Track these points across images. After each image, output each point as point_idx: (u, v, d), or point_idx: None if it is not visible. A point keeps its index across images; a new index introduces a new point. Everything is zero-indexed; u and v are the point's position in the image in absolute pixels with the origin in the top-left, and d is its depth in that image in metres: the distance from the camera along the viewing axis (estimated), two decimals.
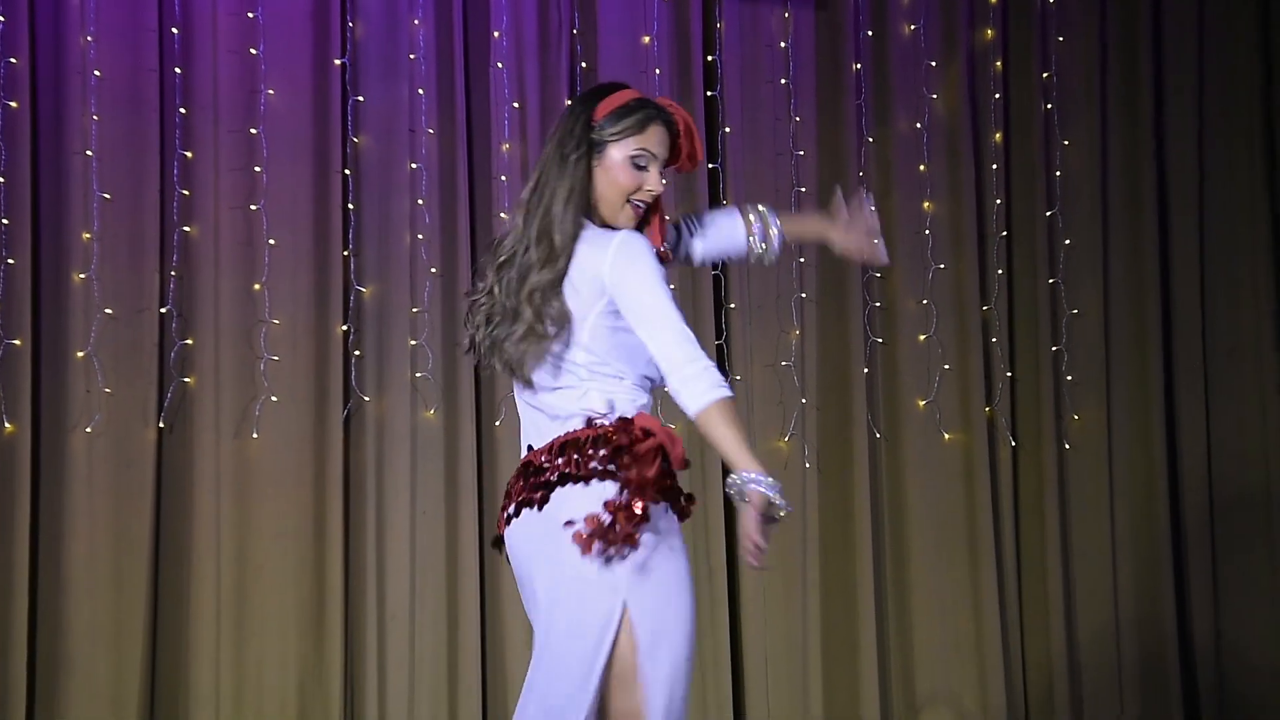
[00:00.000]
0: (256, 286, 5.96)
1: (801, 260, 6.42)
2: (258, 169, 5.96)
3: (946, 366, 6.48)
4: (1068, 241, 6.66)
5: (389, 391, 6.06)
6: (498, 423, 6.12)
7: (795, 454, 6.36)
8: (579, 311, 3.30)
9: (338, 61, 6.05)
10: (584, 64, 6.30)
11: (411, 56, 6.11)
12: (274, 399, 5.91)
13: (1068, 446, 6.60)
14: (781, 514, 3.25)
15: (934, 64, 6.60)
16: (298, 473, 5.93)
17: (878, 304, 6.49)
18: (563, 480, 3.27)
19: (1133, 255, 6.72)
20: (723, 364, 6.32)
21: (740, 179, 6.40)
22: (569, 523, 3.25)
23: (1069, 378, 6.62)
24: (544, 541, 3.29)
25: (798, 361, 6.39)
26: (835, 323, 6.47)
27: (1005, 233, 6.63)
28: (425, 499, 6.04)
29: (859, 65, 6.53)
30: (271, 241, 5.96)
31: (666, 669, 3.24)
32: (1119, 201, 6.71)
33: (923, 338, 6.53)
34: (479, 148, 6.20)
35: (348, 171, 6.05)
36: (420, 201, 6.10)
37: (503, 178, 6.17)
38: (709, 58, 6.39)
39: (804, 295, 6.41)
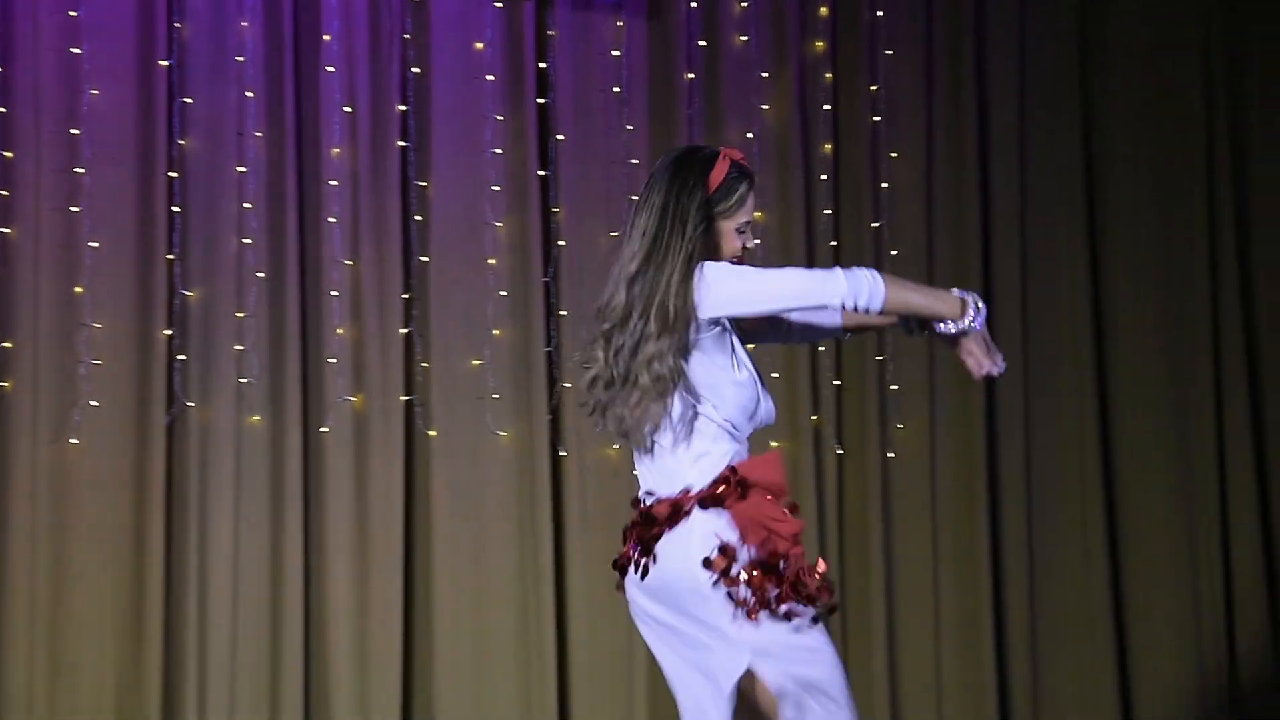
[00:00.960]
0: (78, 289, 5.87)
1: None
2: (80, 170, 5.87)
3: (774, 375, 6.54)
4: (894, 252, 6.75)
5: (214, 397, 6.00)
6: (324, 429, 6.09)
7: (624, 461, 6.38)
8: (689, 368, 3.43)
9: (163, 62, 5.97)
10: (416, 69, 6.27)
11: (240, 59, 6.05)
12: (94, 404, 5.83)
13: (891, 454, 6.69)
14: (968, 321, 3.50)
15: (765, 75, 6.66)
16: (118, 478, 5.86)
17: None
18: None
19: (957, 266, 6.83)
20: (552, 371, 6.34)
21: (572, 187, 6.41)
22: None
23: (893, 386, 6.71)
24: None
25: None
26: None
27: (834, 242, 6.71)
28: (249, 505, 5.99)
29: (691, 75, 6.57)
30: (93, 244, 5.87)
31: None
32: (944, 213, 6.81)
33: (751, 346, 6.57)
34: (308, 152, 6.16)
35: (173, 174, 5.98)
36: (248, 205, 6.05)
37: (332, 182, 6.14)
38: (541, 65, 6.40)
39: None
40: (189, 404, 5.97)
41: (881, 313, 3.45)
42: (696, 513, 3.40)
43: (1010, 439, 6.82)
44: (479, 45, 6.33)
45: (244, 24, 6.06)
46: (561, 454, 6.34)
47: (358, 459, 6.14)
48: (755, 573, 3.34)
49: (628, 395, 3.45)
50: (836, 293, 3.38)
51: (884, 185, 6.76)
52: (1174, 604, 6.85)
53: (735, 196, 3.50)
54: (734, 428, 3.48)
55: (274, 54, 6.11)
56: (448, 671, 6.17)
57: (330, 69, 6.15)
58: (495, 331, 6.30)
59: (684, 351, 3.42)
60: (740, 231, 3.52)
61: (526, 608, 6.24)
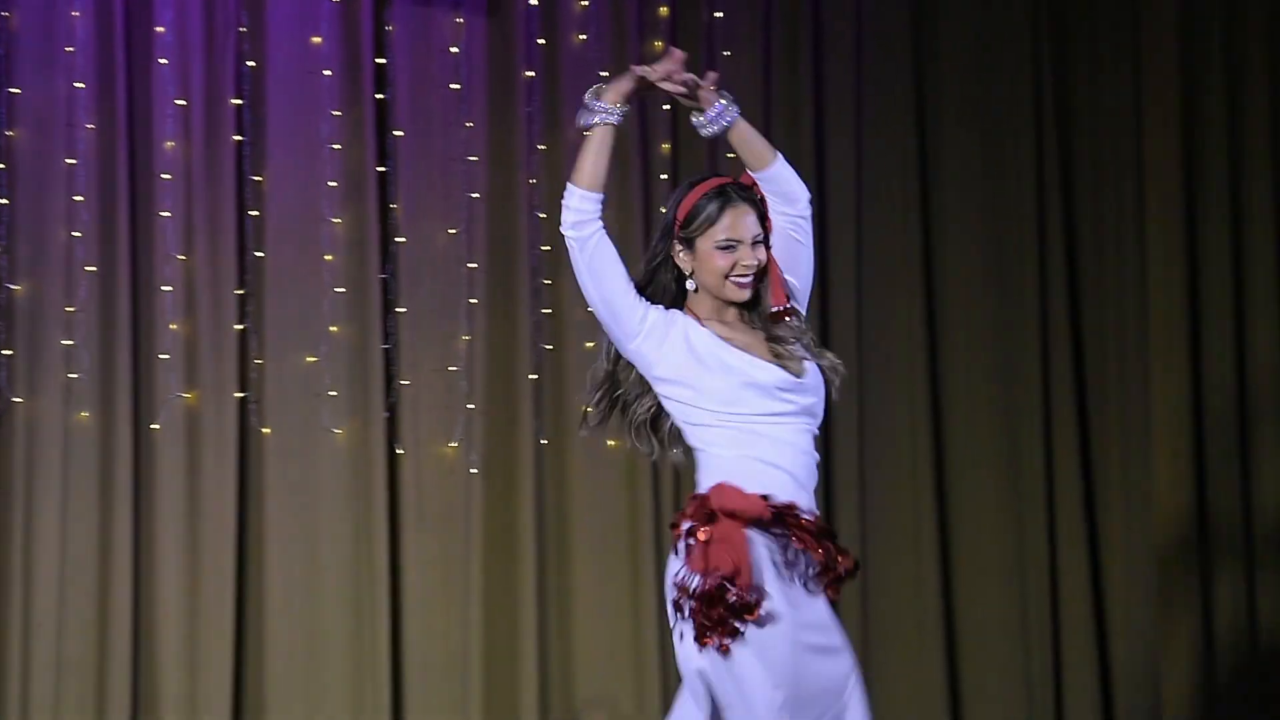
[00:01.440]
0: None
1: (472, 266, 6.43)
2: None
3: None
4: None
5: (40, 392, 5.90)
6: (156, 426, 6.01)
7: (461, 459, 6.37)
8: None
9: None
10: (251, 63, 6.21)
11: (69, 49, 5.95)
12: None
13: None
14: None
15: (605, 74, 6.66)
16: None
17: (547, 311, 6.53)
18: None
19: None
20: (389, 369, 6.30)
21: (411, 184, 6.38)
22: None
23: None
24: None
25: (466, 367, 6.40)
26: (504, 329, 6.49)
27: None
28: (77, 503, 5.89)
29: (531, 73, 6.57)
30: None
31: None
32: None
33: (590, 345, 6.59)
34: (140, 144, 6.07)
35: (1, 165, 5.86)
36: (78, 198, 5.96)
37: (165, 175, 6.06)
38: (380, 60, 6.36)
39: (473, 301, 6.43)
40: (15, 400, 5.87)
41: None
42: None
43: (845, 435, 6.88)
44: (316, 40, 6.28)
45: (74, 14, 5.96)
46: (398, 452, 6.30)
47: (190, 456, 6.06)
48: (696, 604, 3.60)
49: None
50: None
51: None
52: (1002, 603, 6.96)
53: (702, 216, 3.74)
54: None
55: (105, 45, 6.02)
56: (280, 671, 6.11)
57: (163, 61, 6.07)
58: (332, 328, 6.25)
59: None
60: (724, 248, 3.72)
61: (360, 607, 6.19)
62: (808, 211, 3.88)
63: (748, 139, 3.84)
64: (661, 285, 3.82)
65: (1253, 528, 6.88)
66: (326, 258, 6.25)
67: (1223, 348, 6.93)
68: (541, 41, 6.59)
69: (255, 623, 6.12)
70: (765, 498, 3.67)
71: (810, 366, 3.80)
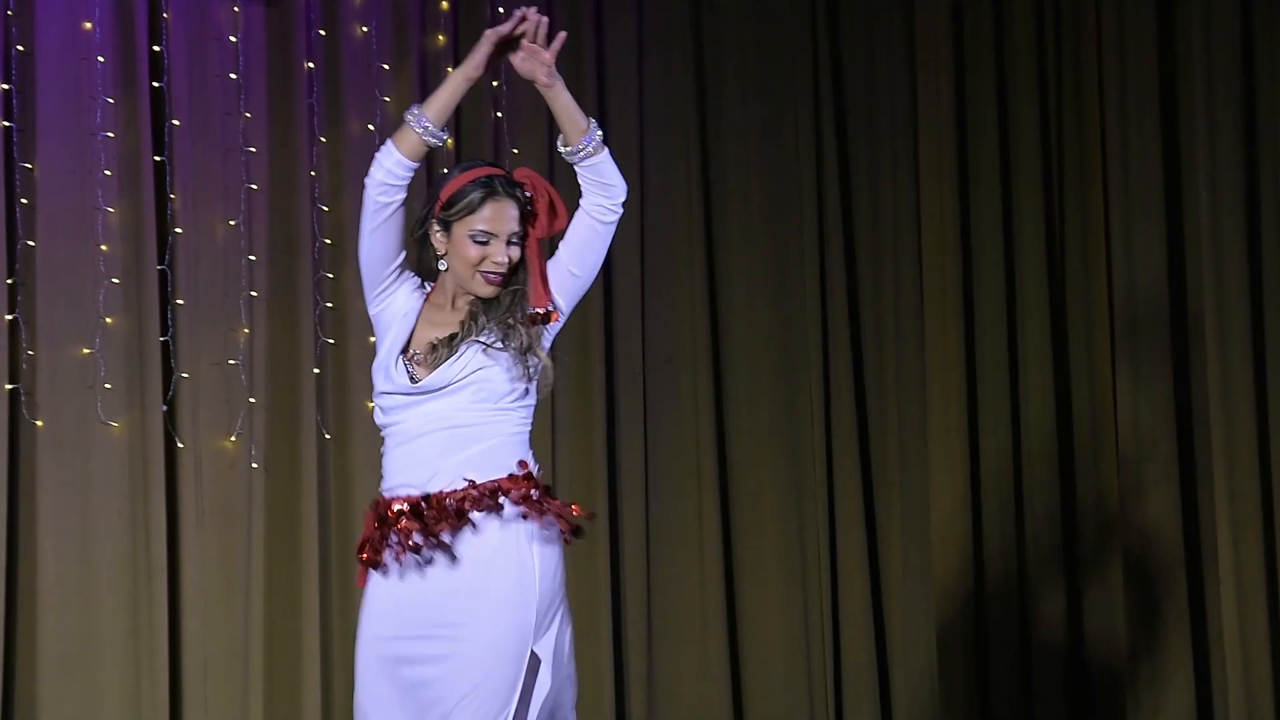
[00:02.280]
0: None
1: (253, 259, 6.33)
2: None
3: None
4: None
5: None
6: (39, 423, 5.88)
7: (242, 454, 6.26)
8: None
9: None
10: (20, 47, 6.04)
11: None
12: None
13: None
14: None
15: (386, 66, 6.62)
16: None
17: (329, 305, 6.45)
18: None
19: None
20: (168, 360, 6.16)
21: (189, 173, 6.26)
22: None
23: None
24: None
25: (246, 360, 6.29)
26: (285, 322, 6.39)
27: None
28: None
29: (311, 64, 6.49)
30: None
31: None
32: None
33: (373, 339, 6.51)
34: None
35: None
36: None
37: None
38: (155, 48, 6.23)
39: (254, 294, 6.32)
40: None
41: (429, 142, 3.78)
42: None
43: (629, 441, 6.91)
44: (88, 25, 6.13)
45: None
46: (178, 446, 6.17)
47: None
48: None
49: None
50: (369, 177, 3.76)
51: None
52: (784, 601, 7.03)
53: (464, 202, 3.74)
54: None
55: None
56: (53, 670, 5.92)
57: None
58: (107, 320, 6.10)
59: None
60: (477, 240, 3.72)
61: (138, 603, 6.04)
62: (620, 206, 3.93)
63: (570, 110, 3.89)
64: (422, 259, 3.85)
65: (1024, 529, 7.05)
66: (102, 248, 6.10)
67: (996, 348, 7.10)
68: (322, 33, 6.51)
69: (27, 619, 5.93)
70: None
71: (440, 371, 3.76)
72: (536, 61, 3.91)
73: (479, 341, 3.77)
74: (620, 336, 6.97)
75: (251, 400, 6.27)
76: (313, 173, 6.45)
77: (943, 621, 7.01)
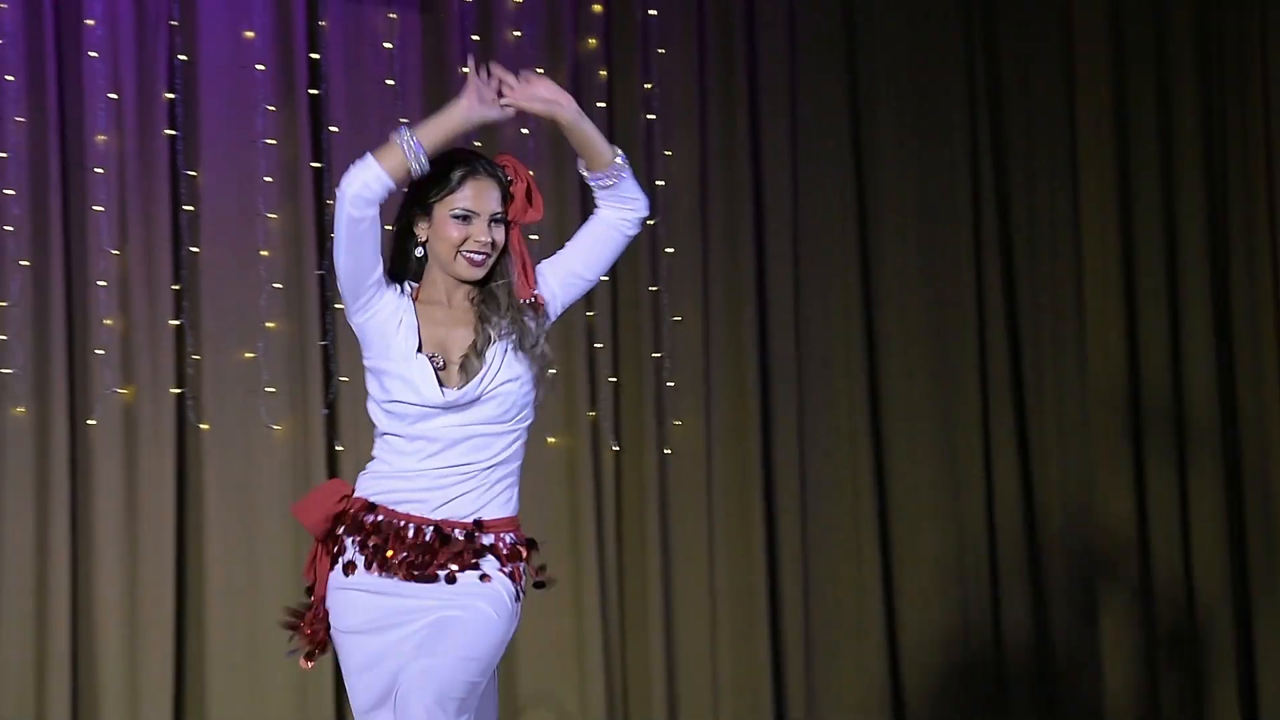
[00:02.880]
0: None
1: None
2: None
3: (552, 371, 6.51)
4: (669, 250, 6.79)
5: None
6: (92, 421, 5.91)
7: None
8: None
9: None
10: (183, 56, 6.14)
11: None
12: None
13: (668, 451, 6.71)
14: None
15: (540, 70, 6.61)
16: None
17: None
18: None
19: (730, 265, 6.90)
20: (328, 365, 6.22)
21: None
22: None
23: (670, 384, 6.74)
24: None
25: None
26: None
27: None
28: (13, 499, 5.79)
29: (465, 69, 6.52)
30: None
31: None
32: (717, 212, 6.87)
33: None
34: (72, 138, 5.99)
35: None
36: (9, 191, 5.86)
37: (98, 169, 5.97)
38: (314, 55, 6.31)
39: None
40: None
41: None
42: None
43: (784, 436, 6.88)
44: (249, 34, 6.22)
45: (3, 5, 5.88)
46: (338, 449, 6.22)
47: (127, 452, 5.96)
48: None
49: None
50: (341, 191, 3.59)
51: (659, 183, 6.80)
52: (942, 600, 6.97)
53: (446, 179, 3.59)
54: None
55: (35, 38, 5.93)
56: (220, 668, 6.01)
57: (94, 54, 5.99)
58: (269, 324, 6.18)
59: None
60: (458, 218, 3.58)
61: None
62: (641, 222, 3.71)
63: (589, 137, 3.66)
64: (404, 252, 3.67)
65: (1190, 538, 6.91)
66: (263, 253, 6.19)
67: (1159, 349, 6.97)
68: (476, 37, 6.56)
69: (195, 619, 6.03)
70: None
71: (474, 383, 3.59)
72: (530, 99, 3.72)
73: (502, 348, 3.62)
74: (774, 339, 6.95)
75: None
76: None
77: (1108, 626, 6.90)
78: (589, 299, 6.66)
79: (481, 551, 3.59)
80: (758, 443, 6.84)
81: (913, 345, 7.06)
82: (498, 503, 3.64)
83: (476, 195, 3.60)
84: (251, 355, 6.15)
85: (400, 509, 3.60)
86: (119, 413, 5.96)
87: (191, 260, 6.12)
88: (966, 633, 6.93)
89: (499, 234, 3.62)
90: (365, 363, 3.68)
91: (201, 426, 6.08)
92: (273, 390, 6.14)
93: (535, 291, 3.64)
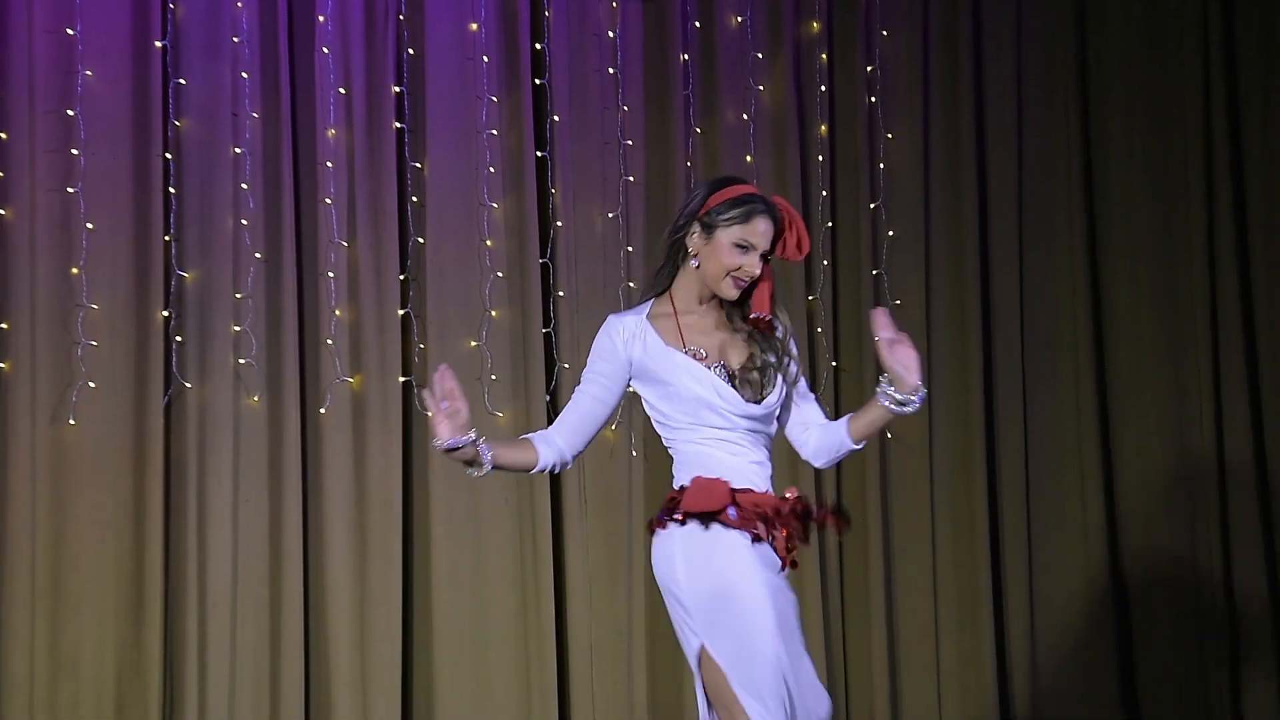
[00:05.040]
0: (74, 270, 5.85)
1: (630, 249, 6.44)
2: (75, 151, 5.86)
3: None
4: (891, 233, 6.75)
5: (211, 378, 5.99)
6: (322, 410, 6.08)
7: (623, 442, 6.38)
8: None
9: (158, 43, 5.96)
10: (410, 50, 6.26)
11: (235, 39, 6.04)
12: (92, 385, 5.81)
13: (890, 436, 6.68)
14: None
15: (760, 56, 6.64)
16: (117, 460, 5.84)
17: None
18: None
19: (954, 247, 6.83)
20: (550, 352, 6.32)
21: (568, 167, 6.40)
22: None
23: None
24: None
25: None
26: None
27: (830, 224, 6.70)
28: (248, 487, 5.98)
29: (686, 56, 6.56)
30: (90, 225, 5.86)
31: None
32: (940, 194, 6.81)
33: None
34: (304, 133, 6.15)
35: (169, 155, 5.97)
36: (244, 186, 6.04)
37: (328, 163, 6.12)
38: (537, 45, 6.38)
39: (632, 284, 6.43)
40: (186, 385, 5.96)
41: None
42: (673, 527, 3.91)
43: (1009, 420, 6.81)
44: (474, 26, 6.32)
45: (239, 4, 6.05)
46: None
47: (356, 440, 6.12)
48: None
49: None
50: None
51: (880, 166, 6.76)
52: (1173, 585, 6.83)
53: (738, 210, 3.90)
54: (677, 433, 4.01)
55: (269, 35, 6.10)
56: (448, 652, 6.15)
57: (325, 50, 6.14)
58: (493, 313, 6.29)
59: None
60: (740, 247, 3.88)
61: (526, 589, 6.22)
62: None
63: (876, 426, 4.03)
64: (673, 262, 4.00)
65: None
66: (487, 243, 6.29)
67: None
68: (697, 24, 6.58)
69: (423, 604, 6.17)
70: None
71: (771, 399, 3.95)
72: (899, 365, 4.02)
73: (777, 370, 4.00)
74: (998, 317, 6.87)
75: (632, 389, 6.36)
76: (688, 163, 6.52)
77: None
78: (808, 282, 6.66)
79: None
80: (981, 426, 6.78)
81: (1141, 325, 6.92)
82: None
83: (762, 232, 3.92)
84: (475, 344, 6.26)
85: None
86: (348, 401, 6.12)
87: (418, 251, 6.26)
88: (1199, 620, 6.79)
89: (761, 266, 3.94)
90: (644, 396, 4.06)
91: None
92: (495, 378, 6.25)
93: (768, 316, 3.97)
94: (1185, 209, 6.90)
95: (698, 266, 3.93)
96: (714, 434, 3.91)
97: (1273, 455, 6.81)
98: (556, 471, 4.04)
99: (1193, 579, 6.82)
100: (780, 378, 3.95)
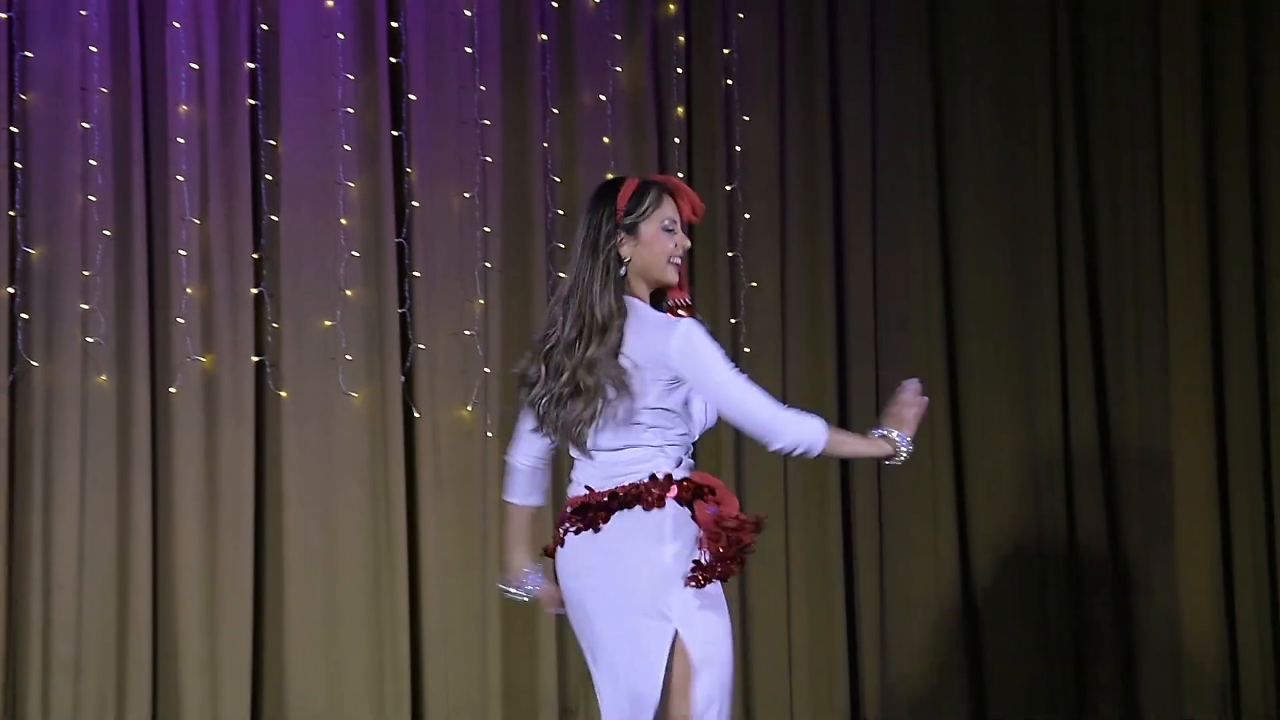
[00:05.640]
0: None
1: (487, 230, 6.42)
2: None
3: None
4: (747, 215, 6.79)
5: (58, 356, 5.90)
6: (173, 389, 6.01)
7: (478, 423, 6.37)
8: (640, 382, 3.77)
9: (3, 15, 5.86)
10: (264, 25, 6.19)
11: (83, 12, 5.95)
12: None
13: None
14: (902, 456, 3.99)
15: (618, 37, 6.65)
16: None
17: (561, 274, 6.50)
18: (624, 505, 3.80)
19: (808, 230, 6.88)
20: (405, 332, 6.29)
21: (425, 147, 6.37)
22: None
23: (746, 349, 6.74)
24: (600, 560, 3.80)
25: (481, 330, 6.39)
26: (519, 292, 6.48)
27: None
28: (96, 467, 5.91)
29: (544, 36, 6.55)
30: None
31: (714, 687, 3.77)
32: (796, 177, 6.86)
33: None
34: (155, 108, 6.07)
35: (14, 129, 5.86)
36: (93, 162, 5.96)
37: (179, 139, 6.05)
38: (393, 23, 6.34)
39: (488, 265, 6.42)
40: (33, 363, 5.87)
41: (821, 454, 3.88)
42: (671, 505, 3.77)
43: (861, 401, 6.88)
44: (329, 2, 6.27)
45: None
46: (415, 416, 6.30)
47: (207, 420, 6.06)
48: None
49: (573, 402, 3.80)
50: (782, 441, 3.79)
51: (737, 149, 6.79)
52: (1021, 570, 6.94)
53: (646, 200, 3.88)
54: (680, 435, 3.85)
55: (118, 8, 6.02)
56: (299, 632, 6.11)
57: (176, 24, 6.06)
58: (348, 292, 6.25)
59: (615, 354, 3.78)
60: (668, 230, 3.87)
61: (379, 570, 6.20)
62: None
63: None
64: (615, 278, 3.84)
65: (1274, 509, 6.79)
66: (342, 222, 6.25)
67: (1243, 332, 6.83)
68: (555, 4, 6.56)
69: (274, 584, 6.13)
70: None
71: None
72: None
73: None
74: (852, 302, 6.94)
75: (486, 370, 6.37)
76: (545, 144, 6.51)
77: (1188, 601, 6.83)
78: None
79: None
80: (834, 406, 6.83)
81: (990, 307, 7.01)
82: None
83: (674, 210, 3.92)
84: (330, 323, 6.22)
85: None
86: (199, 380, 6.06)
87: (271, 229, 6.20)
88: (1045, 605, 6.90)
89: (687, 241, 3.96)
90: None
91: (280, 394, 6.16)
92: (350, 358, 6.22)
93: (688, 300, 3.95)
94: (1034, 192, 6.99)
95: (625, 275, 3.83)
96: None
97: (1116, 440, 6.95)
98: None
99: (1038, 555, 6.93)
100: None
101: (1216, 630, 6.77)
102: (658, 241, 3.87)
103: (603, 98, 6.60)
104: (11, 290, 5.83)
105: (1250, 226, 6.86)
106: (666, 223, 3.88)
